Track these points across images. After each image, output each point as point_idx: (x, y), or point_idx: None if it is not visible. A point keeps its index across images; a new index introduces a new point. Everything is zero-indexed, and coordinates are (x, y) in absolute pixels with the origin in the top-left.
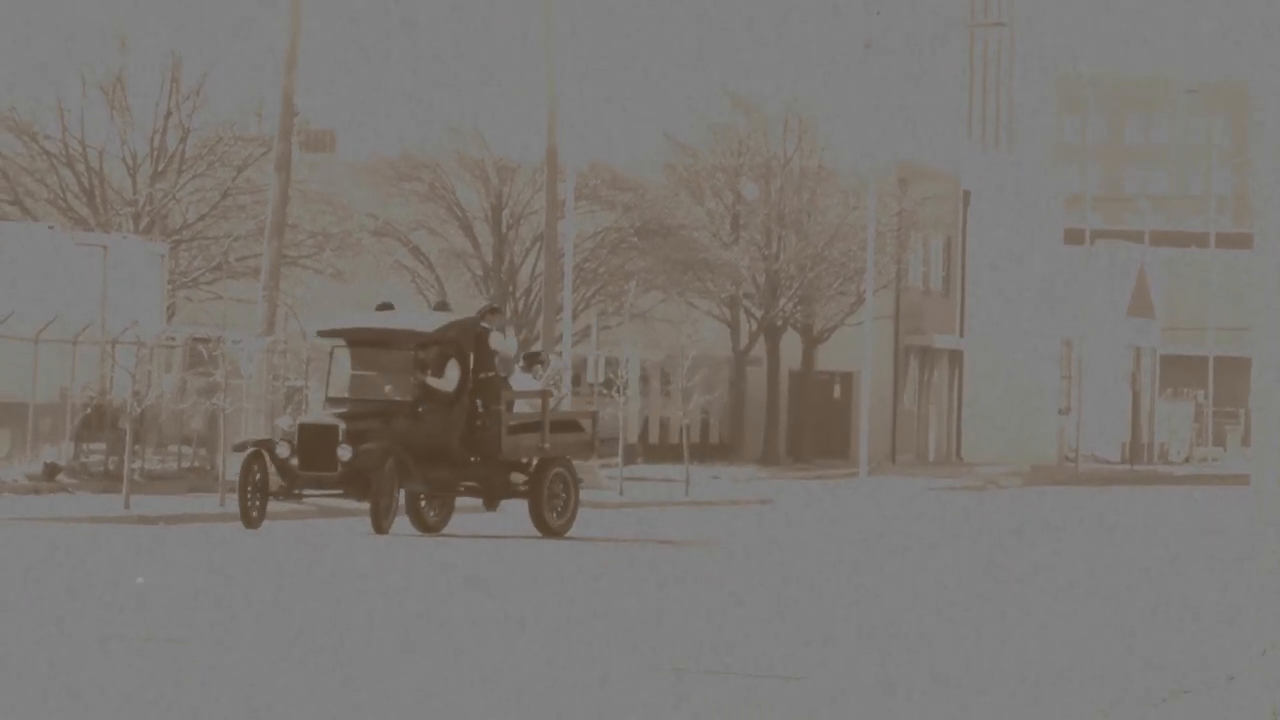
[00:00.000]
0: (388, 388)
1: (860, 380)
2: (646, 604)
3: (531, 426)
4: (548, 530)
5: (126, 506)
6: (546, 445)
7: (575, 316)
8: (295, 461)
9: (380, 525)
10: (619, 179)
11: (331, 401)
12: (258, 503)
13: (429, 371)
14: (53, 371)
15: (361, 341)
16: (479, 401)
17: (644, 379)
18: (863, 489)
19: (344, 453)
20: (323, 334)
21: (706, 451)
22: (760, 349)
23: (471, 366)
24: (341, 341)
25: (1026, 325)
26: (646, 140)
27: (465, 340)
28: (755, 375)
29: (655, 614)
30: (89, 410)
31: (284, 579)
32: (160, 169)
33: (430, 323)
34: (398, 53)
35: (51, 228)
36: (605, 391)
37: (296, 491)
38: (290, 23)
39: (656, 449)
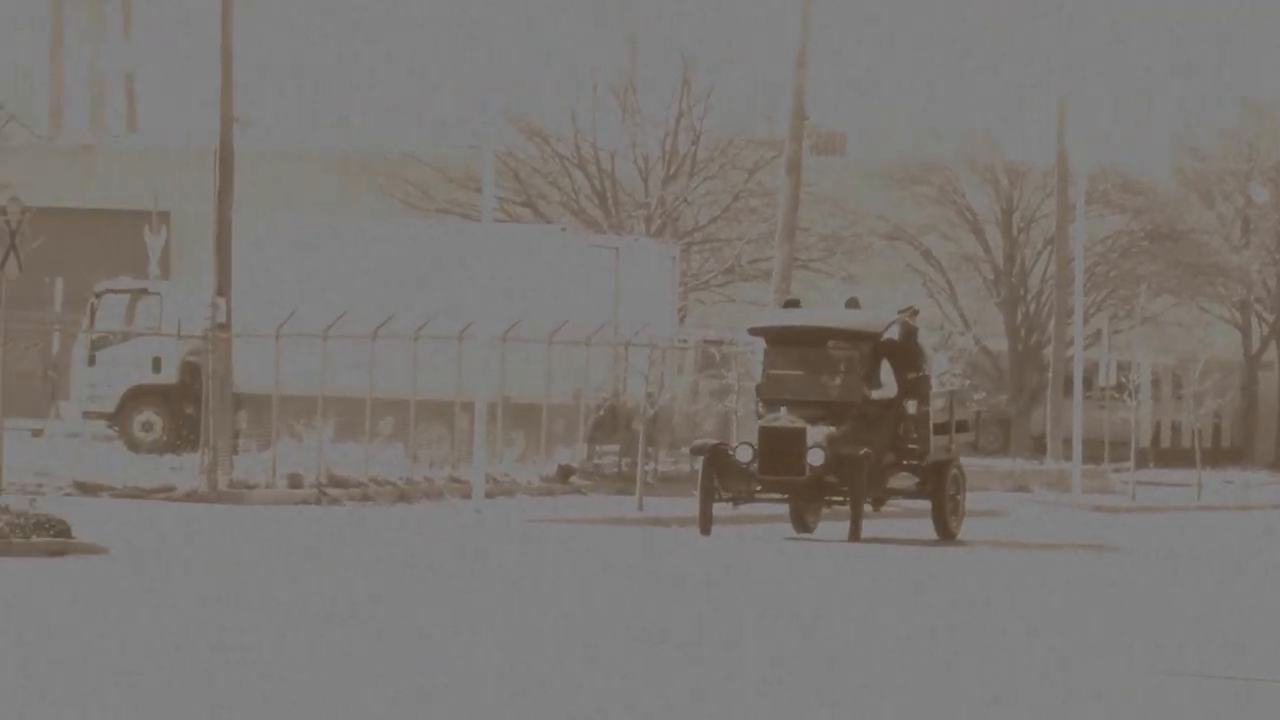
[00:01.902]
0: (826, 388)
1: None
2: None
3: (943, 427)
4: (946, 534)
5: (640, 508)
6: (953, 447)
7: (1086, 320)
8: (755, 466)
9: (858, 533)
10: (1129, 183)
11: (768, 403)
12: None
13: (863, 371)
14: (566, 374)
15: (804, 340)
16: (908, 403)
17: (1155, 383)
18: None
19: (815, 457)
20: (756, 331)
21: (1218, 456)
22: (1272, 353)
23: (898, 367)
24: (765, 341)
25: None
26: (1156, 143)
27: (897, 339)
28: (1267, 380)
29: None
30: (602, 412)
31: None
32: (672, 172)
33: (875, 322)
34: (908, 55)
35: (564, 230)
36: (1116, 395)
37: (759, 496)
38: (801, 26)
39: (1167, 453)
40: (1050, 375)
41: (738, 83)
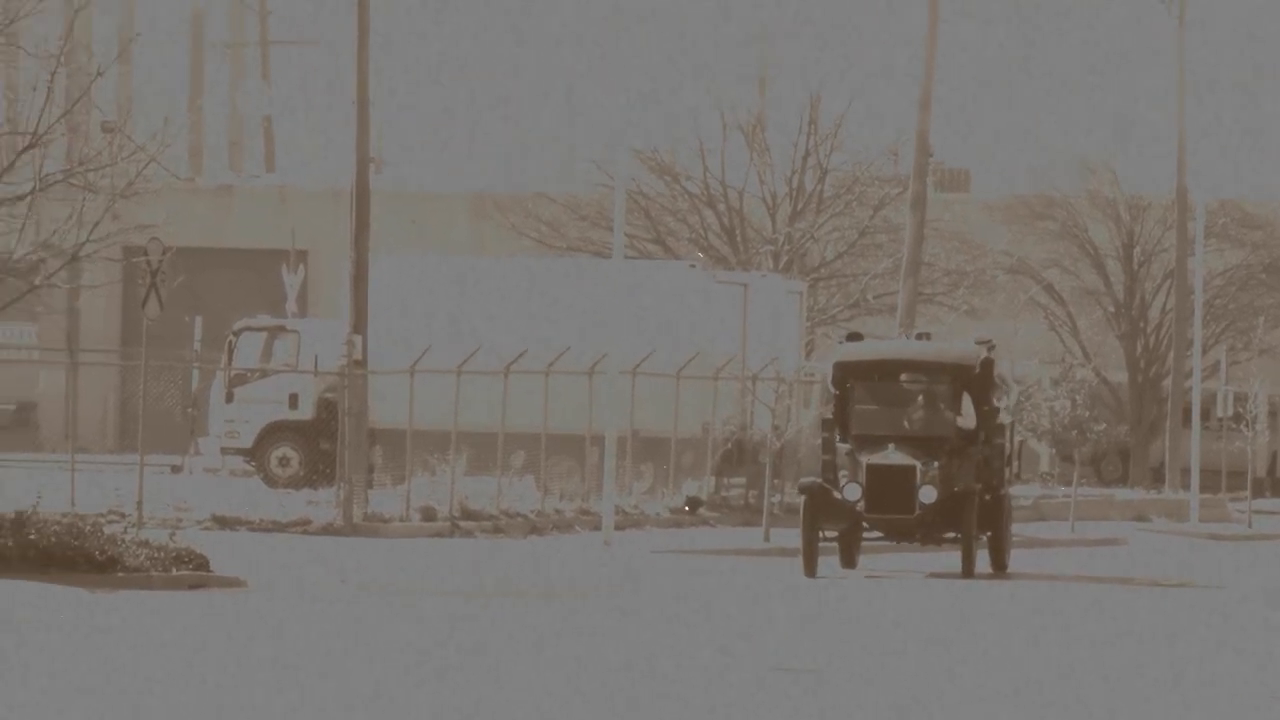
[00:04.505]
0: (917, 422)
1: None
2: None
3: (1006, 460)
4: (1001, 568)
5: (766, 540)
6: (1011, 479)
7: (1204, 352)
8: (863, 504)
9: (971, 569)
10: (1248, 217)
11: (859, 439)
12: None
13: (951, 404)
14: (694, 407)
15: (893, 373)
16: (982, 435)
17: (1272, 413)
18: None
19: (927, 495)
20: (844, 365)
21: None
22: None
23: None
24: (850, 375)
25: None
26: (1276, 176)
27: (979, 372)
28: None
29: None
30: (729, 445)
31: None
32: (799, 208)
33: (967, 354)
34: (1030, 91)
35: (693, 266)
36: (1234, 426)
37: (864, 536)
38: (925, 64)
39: None
40: (1169, 406)
41: (863, 121)
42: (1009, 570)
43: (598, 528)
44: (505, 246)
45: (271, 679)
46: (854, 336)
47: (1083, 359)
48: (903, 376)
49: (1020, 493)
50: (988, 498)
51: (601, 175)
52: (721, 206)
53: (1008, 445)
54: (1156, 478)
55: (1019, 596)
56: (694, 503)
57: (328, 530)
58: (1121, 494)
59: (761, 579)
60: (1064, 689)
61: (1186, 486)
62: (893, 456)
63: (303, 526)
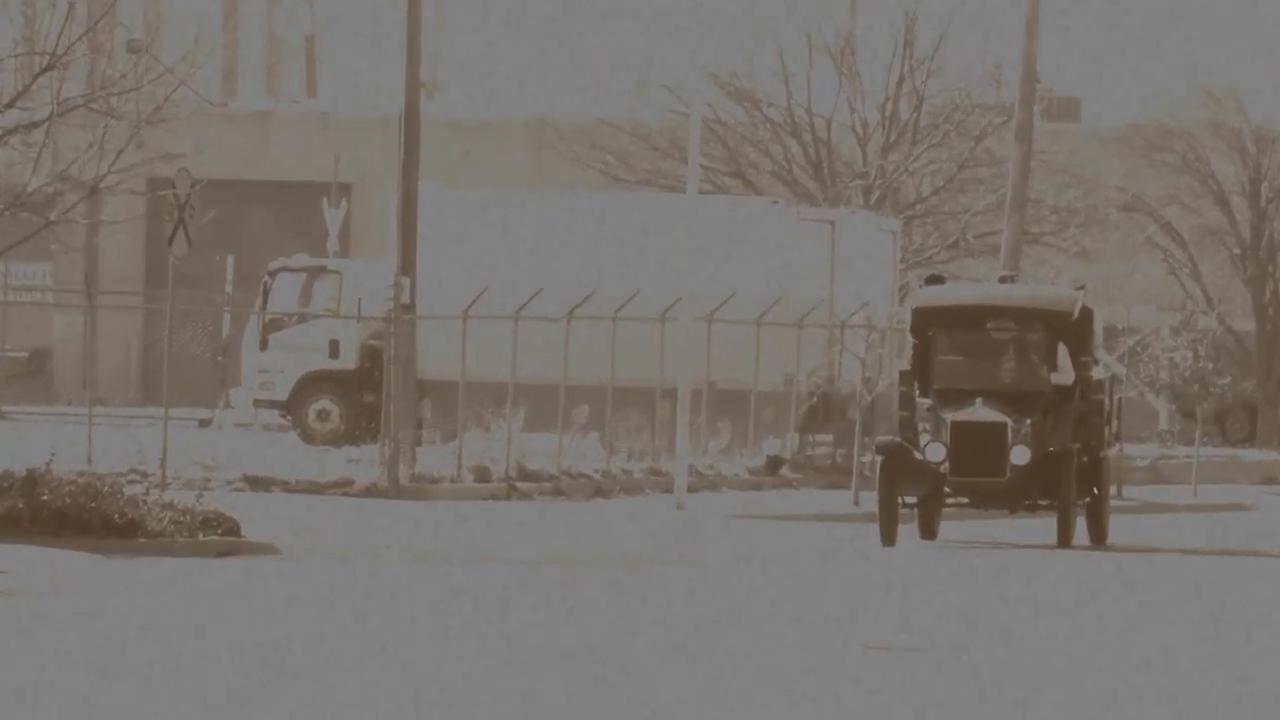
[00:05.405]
0: (1008, 375)
1: None
2: None
3: (1106, 418)
4: (1101, 539)
5: (856, 503)
6: (1112, 440)
7: None
8: (947, 466)
9: (1068, 539)
10: None
11: (941, 394)
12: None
13: (1045, 355)
14: (776, 356)
15: (980, 320)
16: (1079, 390)
17: None
18: None
19: (1019, 455)
20: (924, 311)
21: None
22: None
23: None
24: (933, 322)
25: None
26: None
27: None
28: None
29: None
30: (815, 399)
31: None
32: (892, 139)
33: (1063, 299)
34: (1147, 11)
35: (775, 202)
36: None
37: (949, 500)
38: None
39: None
40: None
41: (963, 43)
42: (1109, 541)
43: (669, 490)
44: (568, 180)
45: (306, 659)
46: (934, 279)
47: (1205, 305)
48: (990, 324)
49: (1137, 453)
50: (1085, 460)
51: (675, 101)
52: (807, 136)
53: (1107, 402)
54: None
55: (1126, 570)
56: (775, 462)
57: (371, 492)
58: (1249, 455)
59: (847, 549)
60: (1174, 672)
61: None
62: (981, 413)
63: (343, 487)
